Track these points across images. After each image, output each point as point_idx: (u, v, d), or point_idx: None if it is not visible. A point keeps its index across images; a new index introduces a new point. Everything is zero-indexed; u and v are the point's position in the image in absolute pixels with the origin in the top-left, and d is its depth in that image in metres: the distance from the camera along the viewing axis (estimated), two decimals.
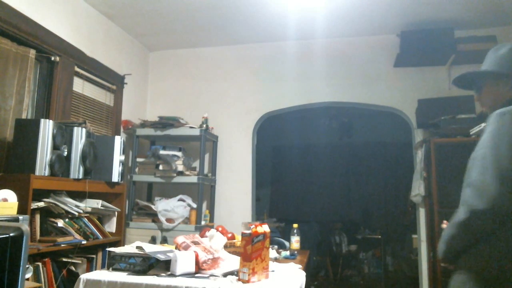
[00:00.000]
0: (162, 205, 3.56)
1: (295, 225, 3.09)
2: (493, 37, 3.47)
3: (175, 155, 3.70)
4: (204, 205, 3.95)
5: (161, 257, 1.85)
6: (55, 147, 2.53)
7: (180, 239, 2.02)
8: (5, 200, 2.18)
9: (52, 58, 2.99)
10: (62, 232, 2.57)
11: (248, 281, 1.69)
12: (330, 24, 3.68)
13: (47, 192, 2.59)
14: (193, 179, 3.65)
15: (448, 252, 1.48)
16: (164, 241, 3.45)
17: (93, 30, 3.50)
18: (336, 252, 5.86)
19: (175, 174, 3.64)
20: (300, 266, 2.23)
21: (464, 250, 1.42)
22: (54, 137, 2.51)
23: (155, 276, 1.76)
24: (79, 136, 2.73)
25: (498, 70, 1.52)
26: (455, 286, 1.47)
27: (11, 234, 0.98)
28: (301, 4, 3.30)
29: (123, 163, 3.12)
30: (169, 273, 1.81)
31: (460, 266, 1.45)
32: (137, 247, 1.98)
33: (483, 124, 2.96)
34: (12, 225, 1.02)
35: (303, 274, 2.08)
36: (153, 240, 3.48)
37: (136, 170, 3.78)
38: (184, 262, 1.81)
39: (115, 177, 3.03)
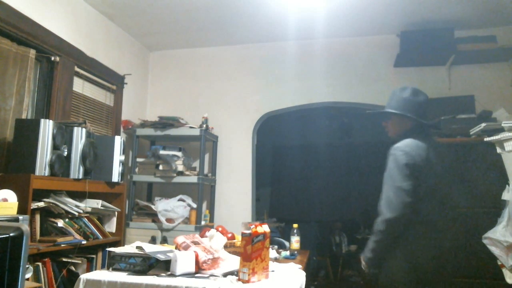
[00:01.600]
0: (162, 205, 3.56)
1: (295, 225, 3.09)
2: (493, 37, 3.47)
3: (175, 155, 3.70)
4: (204, 205, 3.96)
5: (161, 257, 1.85)
6: (55, 147, 2.53)
7: (180, 239, 2.02)
8: (5, 200, 2.18)
9: (52, 58, 2.99)
10: (62, 232, 2.57)
11: (248, 281, 1.69)
12: (330, 24, 3.69)
13: (47, 192, 2.59)
14: (193, 179, 3.65)
15: (374, 259, 2.00)
16: (164, 241, 3.45)
17: (93, 30, 3.50)
18: (336, 252, 5.86)
19: (175, 174, 3.64)
20: (300, 266, 2.23)
21: (384, 254, 1.96)
22: (54, 137, 2.51)
23: (155, 276, 1.76)
24: (79, 136, 2.73)
25: (401, 112, 2.07)
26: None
27: (11, 234, 0.98)
28: (301, 4, 3.30)
29: (123, 163, 3.12)
30: (169, 273, 1.81)
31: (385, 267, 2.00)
32: (137, 247, 1.98)
33: (483, 124, 2.98)
34: (12, 225, 1.02)
35: (303, 274, 2.08)
36: (153, 240, 3.48)
37: (136, 170, 3.78)
38: (184, 262, 1.81)
39: (115, 177, 3.03)
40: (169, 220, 3.53)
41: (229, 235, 2.57)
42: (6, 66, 2.59)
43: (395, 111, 2.08)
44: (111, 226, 3.08)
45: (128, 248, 2.00)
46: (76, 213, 2.67)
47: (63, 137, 2.61)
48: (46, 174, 2.44)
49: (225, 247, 2.30)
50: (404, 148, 1.94)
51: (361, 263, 2.11)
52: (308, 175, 7.04)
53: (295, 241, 3.02)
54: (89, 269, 2.73)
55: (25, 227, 1.02)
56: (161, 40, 4.19)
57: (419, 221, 1.90)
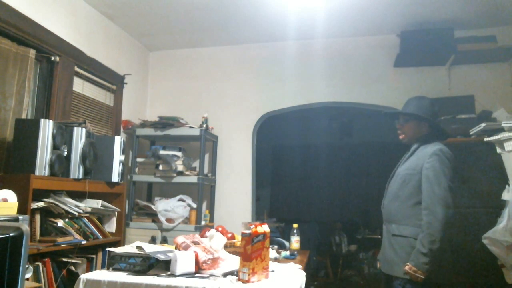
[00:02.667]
0: (162, 205, 3.56)
1: (295, 225, 3.09)
2: (493, 37, 3.47)
3: (175, 155, 3.70)
4: (204, 205, 3.95)
5: (161, 257, 1.85)
6: (55, 147, 2.53)
7: (180, 239, 2.02)
8: (5, 200, 2.18)
9: (52, 58, 2.99)
10: (62, 232, 2.57)
11: (248, 281, 1.69)
12: (330, 24, 3.68)
13: (47, 192, 2.59)
14: (193, 179, 3.65)
15: (432, 261, 1.94)
16: (164, 241, 3.45)
17: (93, 30, 3.50)
18: (336, 252, 5.85)
19: (175, 174, 3.64)
20: (300, 266, 2.23)
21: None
22: (54, 137, 2.51)
23: (155, 276, 1.76)
24: (79, 136, 2.73)
25: (421, 114, 2.20)
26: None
27: (11, 234, 0.98)
28: (301, 4, 3.30)
29: (123, 163, 3.12)
30: (169, 273, 1.81)
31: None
32: (137, 247, 1.98)
33: (483, 124, 2.98)
34: (12, 225, 1.02)
35: (303, 274, 2.08)
36: (153, 240, 3.48)
37: (136, 170, 3.78)
38: (184, 262, 1.81)
39: (115, 177, 3.03)
40: (169, 220, 3.53)
41: (229, 235, 2.57)
42: (6, 66, 2.59)
43: (421, 115, 2.19)
44: (111, 226, 3.08)
45: (128, 248, 2.00)
46: (76, 213, 2.67)
47: (63, 137, 2.61)
48: (46, 174, 2.44)
49: (225, 247, 2.30)
50: (448, 151, 2.12)
51: (412, 275, 1.96)
52: (308, 175, 7.04)
53: (295, 241, 3.02)
54: (89, 269, 2.72)
55: (25, 227, 1.02)
56: (161, 40, 4.19)
57: None
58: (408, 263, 1.98)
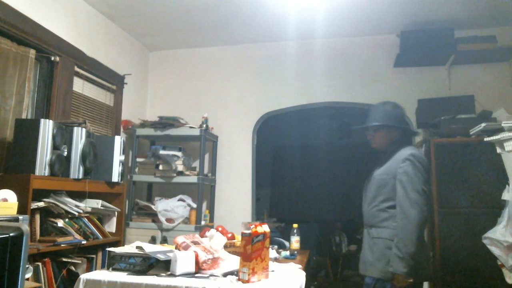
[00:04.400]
0: (162, 205, 3.56)
1: (295, 225, 3.09)
2: (493, 37, 3.47)
3: (175, 155, 3.70)
4: (204, 205, 3.95)
5: (161, 257, 1.85)
6: (55, 147, 2.53)
7: (180, 239, 2.02)
8: (5, 200, 2.18)
9: (52, 58, 2.99)
10: (62, 232, 2.57)
11: (248, 281, 1.69)
12: (330, 24, 3.68)
13: (47, 192, 2.59)
14: (193, 179, 3.65)
15: (413, 264, 1.95)
16: (164, 241, 3.45)
17: (93, 30, 3.50)
18: (336, 252, 5.85)
19: (175, 174, 3.64)
20: (300, 266, 2.23)
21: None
22: (54, 137, 2.50)
23: (155, 276, 1.76)
24: (79, 136, 2.73)
25: (387, 123, 2.25)
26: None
27: (11, 234, 0.98)
28: (301, 4, 3.30)
29: (123, 163, 3.12)
30: (169, 273, 1.81)
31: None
32: (137, 247, 1.98)
33: (483, 124, 2.98)
34: (12, 225, 1.02)
35: (303, 274, 2.08)
36: (153, 240, 3.48)
37: (136, 170, 3.78)
38: (184, 262, 1.81)
39: (115, 177, 3.03)
40: (169, 220, 3.52)
41: (229, 235, 2.57)
42: (6, 66, 2.59)
43: (389, 123, 2.25)
44: (111, 226, 3.08)
45: (128, 248, 2.00)
46: (76, 213, 2.67)
47: (63, 137, 2.61)
48: (46, 174, 2.44)
49: (225, 247, 2.30)
50: (420, 155, 2.17)
51: (399, 281, 1.98)
52: (308, 175, 7.03)
53: (295, 241, 3.02)
54: (89, 269, 2.72)
55: (25, 227, 1.02)
56: (161, 40, 4.19)
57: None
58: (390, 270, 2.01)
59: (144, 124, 3.87)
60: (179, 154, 3.73)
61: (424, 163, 2.12)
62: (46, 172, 2.44)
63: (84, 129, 2.77)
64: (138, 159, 3.80)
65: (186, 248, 1.92)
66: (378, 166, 2.30)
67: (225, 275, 1.81)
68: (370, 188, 2.26)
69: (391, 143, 2.28)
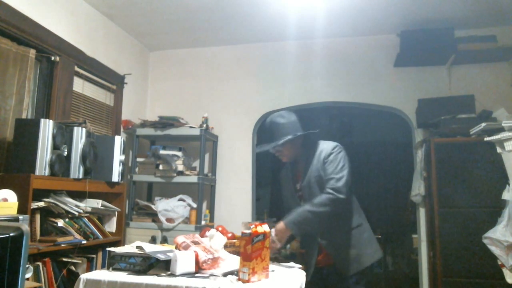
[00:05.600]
0: (162, 205, 3.56)
1: None
2: (493, 37, 3.47)
3: (175, 155, 3.70)
4: (204, 205, 3.95)
5: (161, 257, 1.84)
6: (55, 147, 2.53)
7: (180, 239, 2.02)
8: (5, 200, 2.18)
9: (52, 58, 2.99)
10: (62, 232, 2.57)
11: (248, 281, 1.69)
12: (330, 24, 3.68)
13: (47, 192, 2.59)
14: (193, 179, 3.65)
15: (300, 228, 2.18)
16: (164, 241, 3.45)
17: (93, 30, 3.50)
18: None
19: (175, 174, 3.64)
20: (300, 266, 2.23)
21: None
22: (54, 137, 2.51)
23: (155, 276, 1.76)
24: (79, 136, 2.73)
25: (285, 138, 2.28)
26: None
27: (11, 234, 0.98)
28: (301, 3, 3.30)
29: (123, 163, 3.12)
30: (169, 273, 1.81)
31: None
32: (137, 247, 1.97)
33: (483, 124, 2.98)
34: (12, 225, 1.02)
35: (303, 274, 2.08)
36: (153, 240, 3.48)
37: (136, 170, 3.78)
38: (184, 262, 1.81)
39: (115, 177, 3.03)
40: (169, 220, 3.52)
41: (229, 235, 2.57)
42: (6, 66, 2.59)
43: (293, 137, 2.31)
44: (111, 226, 3.08)
45: (128, 248, 2.00)
46: (76, 213, 2.67)
47: (63, 137, 2.61)
48: (46, 174, 2.44)
49: (225, 247, 2.30)
50: (329, 148, 2.38)
51: (276, 229, 2.17)
52: None
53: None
54: (89, 269, 2.73)
55: (25, 227, 1.02)
56: (161, 40, 4.19)
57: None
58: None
59: (144, 124, 3.87)
60: (179, 154, 3.73)
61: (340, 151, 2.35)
62: (46, 172, 2.44)
63: (84, 129, 2.77)
64: (138, 159, 3.80)
65: (186, 248, 1.92)
66: (303, 172, 2.37)
67: (225, 275, 1.81)
68: (314, 190, 2.30)
69: (301, 150, 2.40)
